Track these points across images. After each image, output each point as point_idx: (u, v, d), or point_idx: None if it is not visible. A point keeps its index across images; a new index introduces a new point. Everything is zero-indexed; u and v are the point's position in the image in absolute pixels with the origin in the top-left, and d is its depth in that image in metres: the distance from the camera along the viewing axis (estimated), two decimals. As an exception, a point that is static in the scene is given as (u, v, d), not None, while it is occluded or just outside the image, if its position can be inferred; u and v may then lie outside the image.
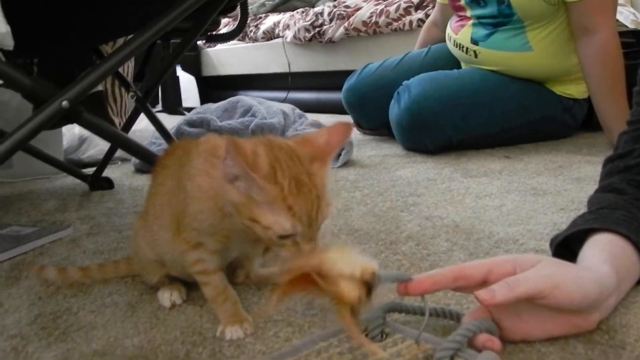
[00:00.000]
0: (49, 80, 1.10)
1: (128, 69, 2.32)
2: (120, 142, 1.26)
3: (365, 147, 2.19)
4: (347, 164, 1.86)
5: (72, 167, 1.85)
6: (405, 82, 2.01)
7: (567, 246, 0.81)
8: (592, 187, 0.92)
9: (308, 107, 3.12)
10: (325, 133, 0.65)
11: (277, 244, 0.63)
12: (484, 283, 0.64)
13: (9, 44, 0.97)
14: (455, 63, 2.21)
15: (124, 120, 2.10)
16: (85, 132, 2.19)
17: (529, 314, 0.64)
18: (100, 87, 1.90)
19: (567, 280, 0.62)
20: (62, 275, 0.93)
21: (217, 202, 0.68)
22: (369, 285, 0.59)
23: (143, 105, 1.67)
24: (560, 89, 2.02)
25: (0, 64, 1.01)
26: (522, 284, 0.61)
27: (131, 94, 1.68)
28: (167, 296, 0.84)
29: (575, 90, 2.02)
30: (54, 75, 1.62)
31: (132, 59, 2.35)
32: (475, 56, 2.05)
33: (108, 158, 1.78)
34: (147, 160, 1.21)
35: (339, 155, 1.85)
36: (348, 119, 2.58)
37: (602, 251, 0.72)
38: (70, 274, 0.93)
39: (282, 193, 0.60)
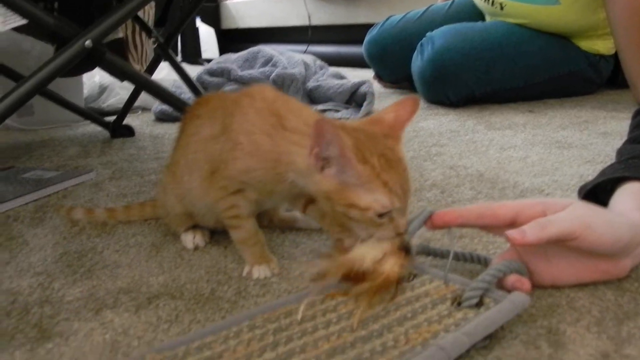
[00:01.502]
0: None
1: (149, 16, 2.30)
2: (143, 84, 1.25)
3: (387, 100, 2.17)
4: (368, 114, 1.84)
5: (94, 114, 1.84)
6: (428, 34, 1.98)
7: (595, 196, 0.79)
8: (618, 141, 0.90)
9: (328, 60, 3.08)
10: (393, 109, 0.64)
11: (375, 225, 0.60)
12: (512, 224, 0.63)
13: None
14: (479, 16, 2.17)
15: (145, 68, 2.09)
16: (106, 81, 2.18)
17: (559, 258, 0.63)
18: (120, 34, 1.88)
19: (599, 222, 0.61)
20: (89, 216, 0.95)
21: (276, 166, 0.67)
22: (405, 247, 0.58)
23: (164, 51, 1.66)
24: (586, 45, 1.98)
25: (24, 2, 1.00)
26: (554, 224, 0.59)
27: (152, 39, 1.67)
28: (190, 238, 0.84)
29: (602, 46, 1.98)
30: (74, 19, 1.61)
31: (153, 4, 2.32)
32: (501, 8, 2.01)
33: (129, 106, 1.77)
34: (170, 104, 1.20)
35: (361, 105, 1.84)
36: (369, 72, 2.56)
37: (633, 199, 0.70)
38: (97, 214, 0.95)
39: (375, 170, 0.58)
